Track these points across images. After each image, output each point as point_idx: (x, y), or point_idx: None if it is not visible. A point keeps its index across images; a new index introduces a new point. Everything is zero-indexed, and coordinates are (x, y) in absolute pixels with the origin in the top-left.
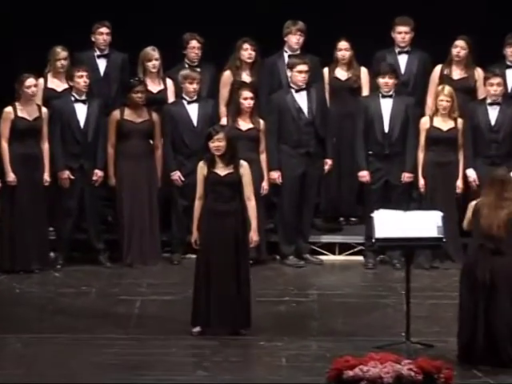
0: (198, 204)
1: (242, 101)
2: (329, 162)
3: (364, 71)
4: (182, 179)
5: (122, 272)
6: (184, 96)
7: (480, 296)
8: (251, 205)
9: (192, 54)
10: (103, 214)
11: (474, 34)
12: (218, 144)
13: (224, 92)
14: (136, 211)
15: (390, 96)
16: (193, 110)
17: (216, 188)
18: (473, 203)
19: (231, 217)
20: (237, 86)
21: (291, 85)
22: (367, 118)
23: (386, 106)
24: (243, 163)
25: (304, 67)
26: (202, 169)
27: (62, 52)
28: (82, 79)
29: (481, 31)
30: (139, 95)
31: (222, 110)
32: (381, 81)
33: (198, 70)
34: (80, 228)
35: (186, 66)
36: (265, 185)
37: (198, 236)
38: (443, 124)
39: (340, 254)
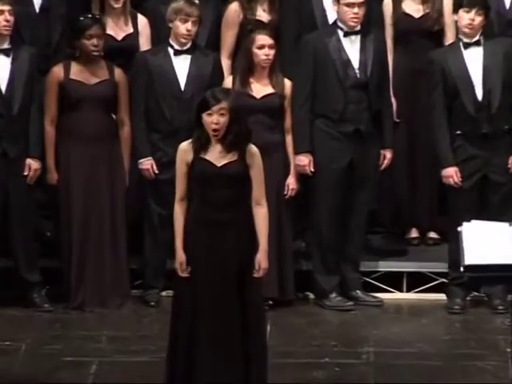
0: (178, 209)
1: (255, 50)
2: (388, 153)
3: (449, 3)
4: (156, 171)
5: (69, 319)
6: (171, 42)
7: None
8: (261, 213)
9: None
10: (39, 227)
11: None
12: (217, 119)
13: (228, 36)
14: (91, 224)
15: (477, 43)
16: (182, 65)
17: (208, 186)
18: None
19: (232, 231)
20: (248, 28)
21: (339, 24)
22: (448, 81)
23: (475, 58)
24: (252, 148)
25: None
26: (184, 154)
27: None
28: (1, 17)
29: None
30: (94, 42)
31: (225, 63)
32: (463, 17)
33: (197, 1)
34: (2, 249)
35: None
36: (291, 181)
37: (184, 258)
38: None
39: (409, 290)
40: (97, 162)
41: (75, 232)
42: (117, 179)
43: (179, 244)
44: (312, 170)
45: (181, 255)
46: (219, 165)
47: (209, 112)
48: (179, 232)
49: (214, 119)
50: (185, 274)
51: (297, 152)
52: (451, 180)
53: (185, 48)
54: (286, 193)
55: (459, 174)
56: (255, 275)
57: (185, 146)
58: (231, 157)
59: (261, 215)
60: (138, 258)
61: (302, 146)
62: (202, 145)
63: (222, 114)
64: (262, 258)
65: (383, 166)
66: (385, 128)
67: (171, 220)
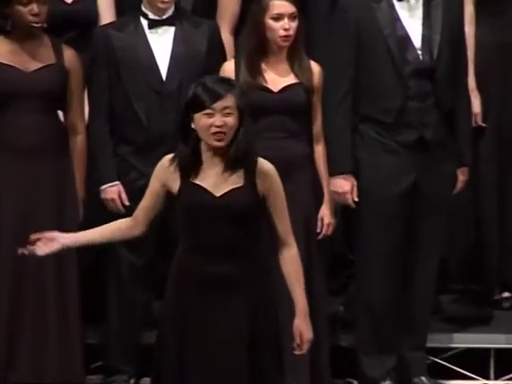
0: (122, 223)
1: (270, 22)
2: (462, 173)
3: None
4: (125, 202)
5: None
6: (144, 9)
7: None
8: (292, 256)
9: None
10: None
11: None
12: (221, 119)
13: (230, 1)
14: (26, 278)
15: None
16: (161, 43)
17: (201, 225)
18: None
19: (237, 292)
20: None
21: None
22: None
23: None
24: (264, 166)
25: None
26: (165, 174)
27: None
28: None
29: None
30: (34, 9)
31: (226, 40)
32: None
33: None
34: None
35: None
36: (326, 213)
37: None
38: None
39: (499, 376)
40: (36, 185)
41: (2, 289)
42: (66, 210)
43: (72, 237)
44: (356, 198)
45: (59, 236)
46: (218, 194)
47: (207, 112)
48: (93, 233)
49: (217, 120)
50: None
51: (334, 173)
52: None
53: (164, 17)
54: (318, 230)
55: None
56: (299, 351)
57: (167, 163)
58: (235, 181)
59: (292, 260)
60: (97, 329)
61: (342, 164)
62: (191, 164)
63: (228, 114)
64: (302, 327)
65: (459, 186)
66: (460, 135)
67: (144, 273)
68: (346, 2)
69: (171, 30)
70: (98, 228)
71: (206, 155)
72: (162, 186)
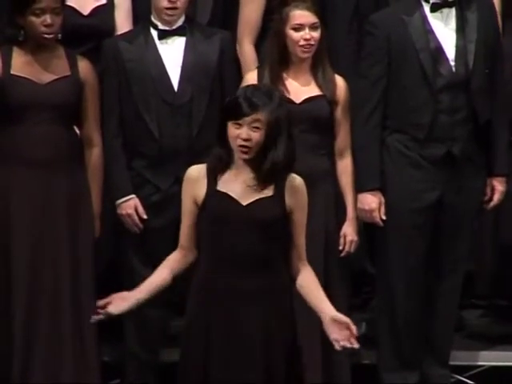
0: (173, 256)
1: (290, 32)
2: (499, 184)
3: None
4: (144, 216)
5: None
6: (153, 19)
7: None
8: (307, 269)
9: None
10: None
11: None
12: (247, 133)
13: (251, 10)
14: (41, 294)
15: None
16: (172, 54)
17: (225, 235)
18: None
19: (258, 307)
20: None
21: None
22: None
23: None
24: (295, 181)
25: None
26: (193, 184)
27: None
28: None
29: None
30: (47, 20)
31: (247, 51)
32: None
33: None
34: None
35: None
36: (349, 230)
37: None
38: None
39: None
40: (50, 198)
41: (16, 305)
42: (81, 225)
43: (143, 290)
44: (384, 216)
45: (127, 295)
46: (245, 203)
47: (237, 122)
48: (151, 283)
49: (244, 133)
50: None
51: (361, 189)
52: None
53: (174, 27)
54: (340, 247)
55: None
56: None
57: (195, 173)
58: (264, 191)
59: (308, 272)
60: (114, 346)
61: (369, 180)
62: (221, 170)
63: (256, 128)
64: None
65: (492, 204)
66: (496, 146)
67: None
68: (377, 17)
69: (182, 40)
70: (154, 275)
71: (238, 163)
72: (194, 201)
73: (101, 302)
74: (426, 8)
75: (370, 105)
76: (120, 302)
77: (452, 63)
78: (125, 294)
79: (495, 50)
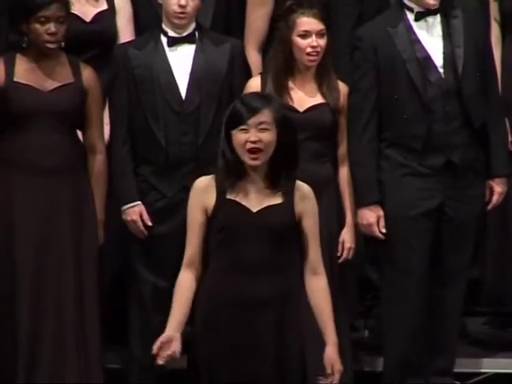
0: (185, 277)
1: (297, 40)
2: (498, 185)
3: None
4: (148, 223)
5: None
6: (164, 26)
7: None
8: (321, 287)
9: None
10: None
11: None
12: (256, 135)
13: (257, 17)
14: (45, 304)
15: None
16: (181, 61)
17: (237, 243)
18: None
19: (270, 315)
20: (287, 4)
21: (407, 2)
22: None
23: None
24: (303, 188)
25: None
26: (201, 194)
27: None
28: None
29: None
30: (51, 28)
31: (253, 58)
32: None
33: None
34: None
35: None
36: (346, 237)
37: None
38: None
39: None
40: (54, 206)
41: (21, 312)
42: (85, 233)
43: (174, 321)
44: (383, 230)
45: (171, 334)
46: (255, 210)
47: (242, 127)
48: (179, 308)
49: (252, 136)
50: (160, 361)
51: (359, 204)
52: None
53: (184, 34)
54: (338, 254)
55: None
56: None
57: (203, 183)
58: (273, 199)
59: (321, 290)
60: (118, 353)
61: (367, 195)
62: (231, 179)
63: (264, 130)
64: (332, 357)
65: (491, 206)
66: (493, 147)
67: (166, 296)
68: (362, 31)
69: (191, 47)
70: (180, 300)
71: (246, 171)
72: (203, 211)
73: (154, 350)
74: (411, 17)
75: (364, 118)
76: (170, 344)
77: (441, 70)
78: (168, 335)
79: (485, 52)
